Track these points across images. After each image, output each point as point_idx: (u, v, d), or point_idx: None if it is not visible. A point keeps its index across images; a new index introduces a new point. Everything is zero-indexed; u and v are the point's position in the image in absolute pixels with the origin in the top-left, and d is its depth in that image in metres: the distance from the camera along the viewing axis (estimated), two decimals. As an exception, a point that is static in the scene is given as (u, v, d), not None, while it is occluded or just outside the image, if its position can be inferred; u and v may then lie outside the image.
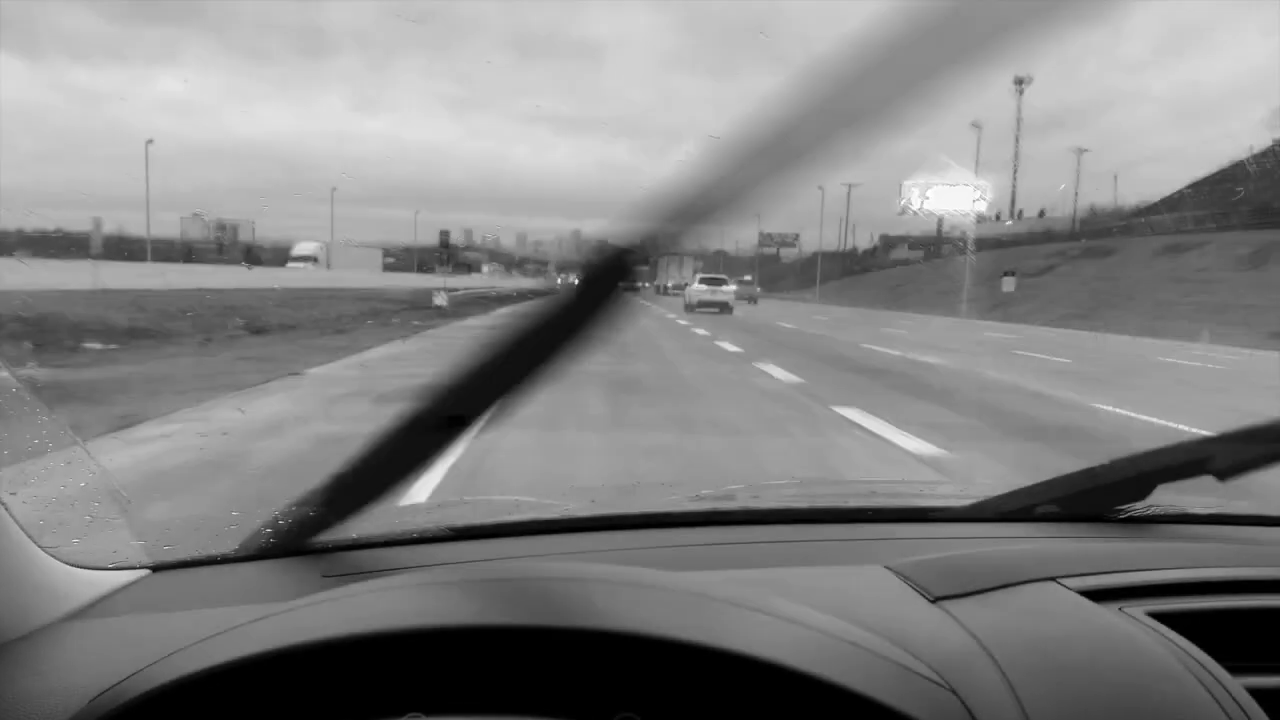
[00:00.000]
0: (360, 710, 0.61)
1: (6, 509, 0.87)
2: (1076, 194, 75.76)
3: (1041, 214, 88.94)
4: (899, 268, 76.25)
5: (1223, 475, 1.16)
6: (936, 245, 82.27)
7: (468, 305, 27.74)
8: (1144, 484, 1.24)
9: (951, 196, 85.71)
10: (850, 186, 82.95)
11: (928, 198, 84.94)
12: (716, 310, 30.49)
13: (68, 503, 1.12)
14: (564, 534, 1.23)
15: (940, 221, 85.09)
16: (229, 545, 1.10)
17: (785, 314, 35.01)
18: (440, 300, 25.30)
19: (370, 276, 49.42)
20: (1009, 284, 43.29)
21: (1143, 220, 51.35)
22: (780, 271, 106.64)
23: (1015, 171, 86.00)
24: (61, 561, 0.93)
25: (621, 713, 0.68)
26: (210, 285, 25.28)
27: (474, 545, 1.16)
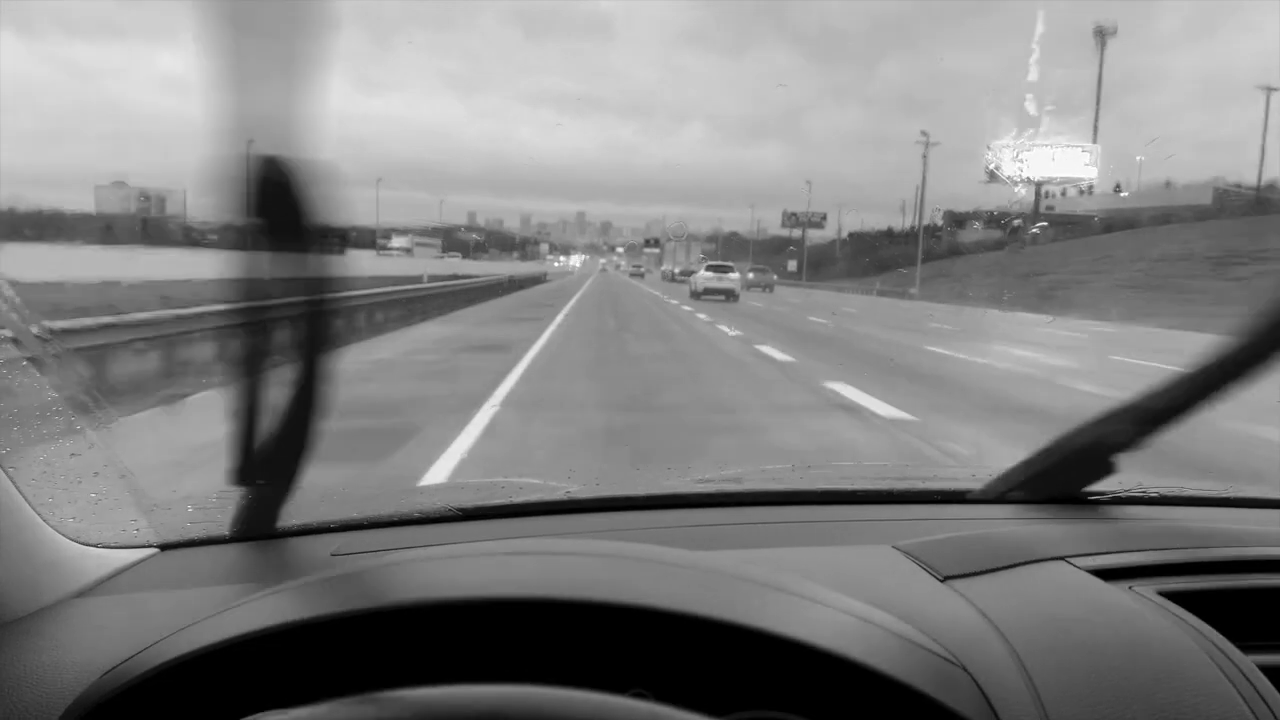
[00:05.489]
0: (370, 683, 0.58)
1: (15, 486, 0.87)
2: (1263, 153, 58.02)
3: (1117, 188, 73.04)
4: (1001, 251, 58.20)
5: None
6: (1034, 221, 64.99)
7: None
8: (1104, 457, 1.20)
9: (1054, 160, 68.87)
10: (927, 141, 64.94)
11: (1023, 162, 68.06)
12: (723, 298, 30.34)
13: (75, 481, 1.07)
14: (571, 514, 1.21)
15: (1039, 191, 68.25)
16: (236, 525, 1.09)
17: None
18: None
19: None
20: None
21: None
22: (822, 255, 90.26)
23: (1095, 134, 68.71)
24: (70, 539, 0.93)
25: (633, 688, 0.66)
26: None
27: (481, 525, 1.15)
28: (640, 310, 24.25)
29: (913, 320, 24.74)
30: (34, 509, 0.88)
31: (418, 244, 70.91)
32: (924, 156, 69.15)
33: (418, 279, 24.62)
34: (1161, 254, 36.85)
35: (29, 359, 1.05)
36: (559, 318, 19.27)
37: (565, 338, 14.66)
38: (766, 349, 12.88)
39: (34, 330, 1.08)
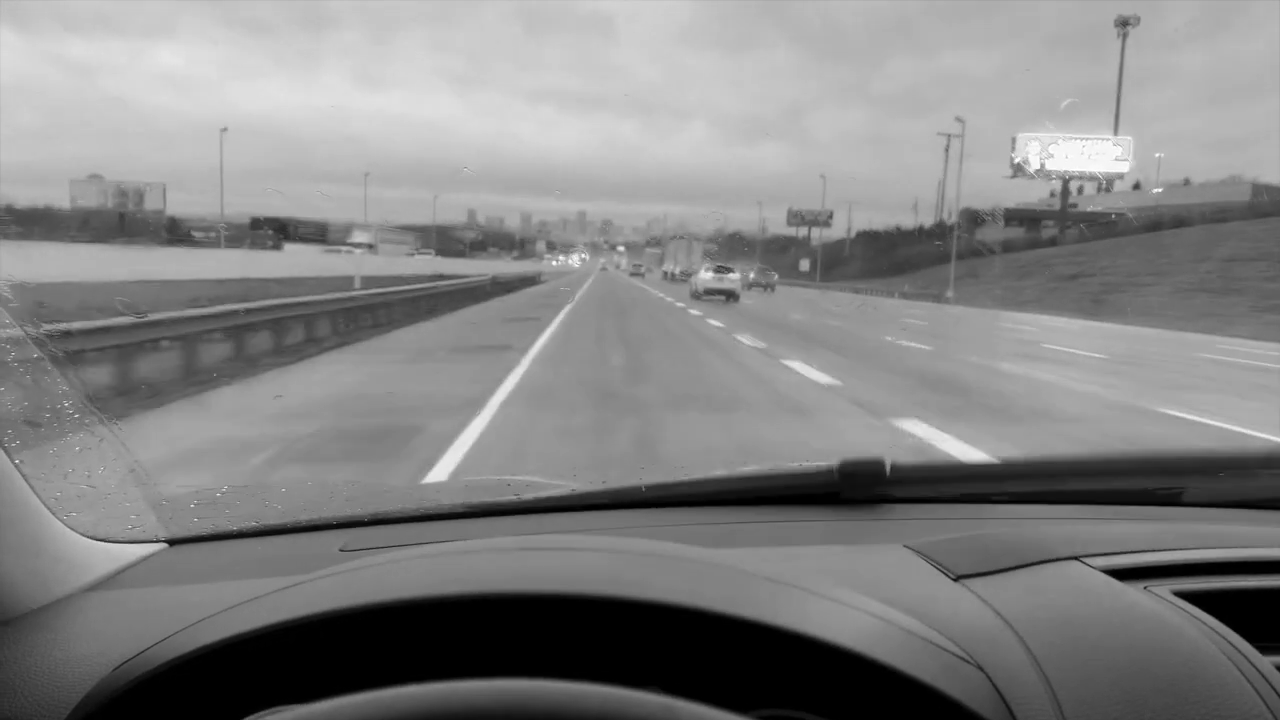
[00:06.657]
0: (381, 679, 0.57)
1: (26, 481, 0.88)
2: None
3: (1136, 185, 69.00)
4: (1033, 250, 53.96)
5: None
6: (1069, 218, 60.89)
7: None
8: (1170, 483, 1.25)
9: (1083, 154, 64.56)
10: (961, 129, 60.70)
11: (1050, 155, 63.78)
12: (724, 299, 30.57)
13: (84, 476, 1.09)
14: (578, 512, 1.20)
15: (1065, 186, 63.97)
16: (244, 521, 1.11)
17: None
18: None
19: None
20: None
21: None
22: (831, 254, 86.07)
23: (1116, 129, 64.45)
24: (79, 534, 0.94)
25: (649, 686, 0.65)
26: None
27: (488, 522, 1.15)
28: (659, 333, 18.01)
29: (1016, 340, 19.60)
30: (43, 504, 0.89)
31: (384, 240, 62.91)
32: (946, 150, 64.69)
33: (348, 281, 18.87)
34: (1231, 253, 32.65)
35: (38, 357, 1.05)
36: (542, 340, 14.15)
37: (538, 401, 8.20)
38: (909, 426, 6.95)
39: (37, 331, 1.05)
